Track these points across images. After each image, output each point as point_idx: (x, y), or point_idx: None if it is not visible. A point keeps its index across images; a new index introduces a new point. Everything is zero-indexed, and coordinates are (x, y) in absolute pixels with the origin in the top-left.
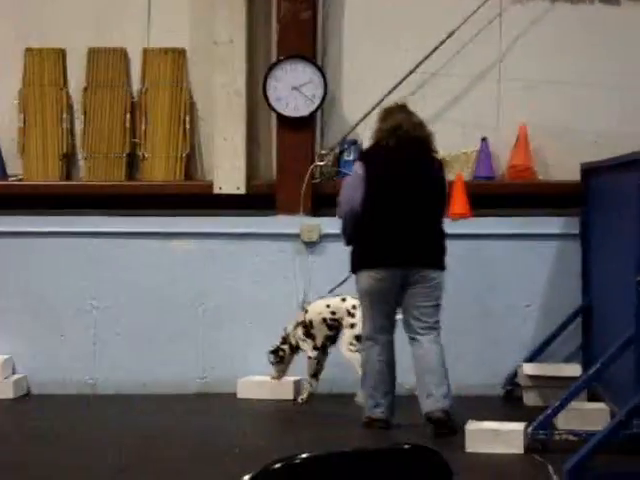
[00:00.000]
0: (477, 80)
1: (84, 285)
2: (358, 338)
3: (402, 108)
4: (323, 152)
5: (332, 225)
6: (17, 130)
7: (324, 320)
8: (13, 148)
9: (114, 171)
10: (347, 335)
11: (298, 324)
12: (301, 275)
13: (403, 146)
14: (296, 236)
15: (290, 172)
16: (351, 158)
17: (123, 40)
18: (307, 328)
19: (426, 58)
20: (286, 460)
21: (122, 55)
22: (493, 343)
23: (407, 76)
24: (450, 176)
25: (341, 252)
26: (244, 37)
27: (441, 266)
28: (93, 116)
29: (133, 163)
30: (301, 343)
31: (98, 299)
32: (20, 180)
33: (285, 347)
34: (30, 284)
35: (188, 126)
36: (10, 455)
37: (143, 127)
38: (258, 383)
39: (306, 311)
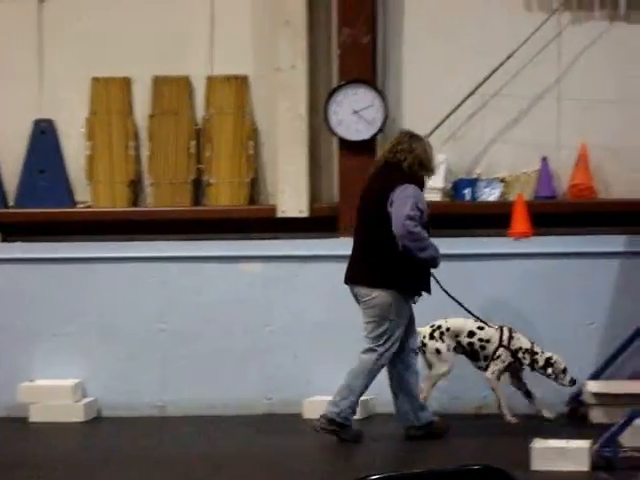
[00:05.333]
0: (536, 100)
1: (152, 309)
2: None
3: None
4: None
5: None
6: (85, 158)
7: None
8: (81, 175)
9: (180, 197)
10: None
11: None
12: None
13: (372, 173)
14: None
15: (352, 194)
16: None
17: (187, 68)
18: None
19: (486, 80)
20: None
21: (186, 83)
22: None
23: (467, 98)
24: (511, 197)
25: None
26: (306, 63)
27: (374, 284)
28: (159, 143)
29: (199, 189)
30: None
31: (166, 322)
32: (88, 207)
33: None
34: (100, 309)
35: (252, 151)
36: (82, 478)
37: (208, 153)
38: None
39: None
